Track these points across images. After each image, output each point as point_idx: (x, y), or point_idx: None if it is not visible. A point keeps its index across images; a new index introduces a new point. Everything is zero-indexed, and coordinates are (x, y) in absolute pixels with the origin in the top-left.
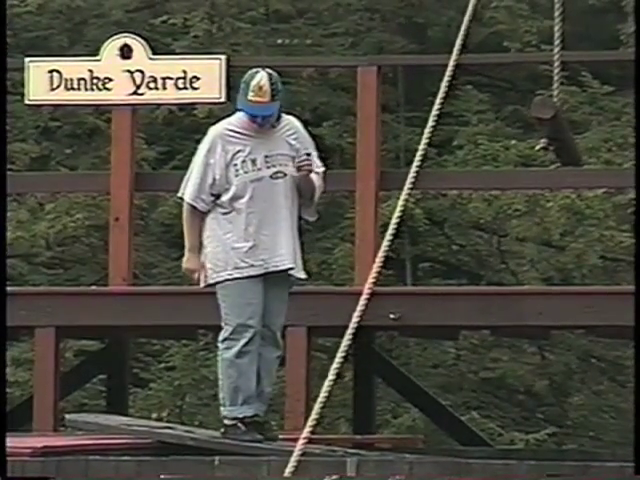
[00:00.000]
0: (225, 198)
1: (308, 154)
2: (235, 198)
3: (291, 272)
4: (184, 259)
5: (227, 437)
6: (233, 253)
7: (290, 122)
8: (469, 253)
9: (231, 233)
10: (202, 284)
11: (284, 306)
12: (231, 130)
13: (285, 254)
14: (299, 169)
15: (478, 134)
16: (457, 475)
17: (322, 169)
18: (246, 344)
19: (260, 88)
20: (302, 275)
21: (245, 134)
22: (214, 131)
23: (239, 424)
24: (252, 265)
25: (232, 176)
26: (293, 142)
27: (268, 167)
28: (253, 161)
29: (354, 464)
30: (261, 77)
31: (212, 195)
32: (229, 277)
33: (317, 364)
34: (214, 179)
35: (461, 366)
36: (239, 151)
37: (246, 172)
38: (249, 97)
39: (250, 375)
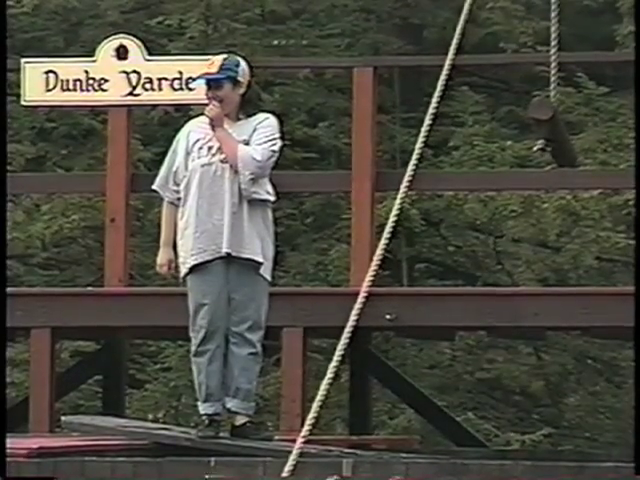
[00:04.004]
0: (182, 186)
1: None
2: (188, 185)
3: (236, 254)
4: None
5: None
6: (188, 241)
7: (260, 118)
8: (465, 254)
9: (185, 221)
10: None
11: (252, 303)
12: (201, 121)
13: (239, 241)
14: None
15: (474, 135)
16: (453, 475)
17: (259, 157)
18: (200, 343)
19: (212, 63)
20: (259, 259)
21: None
22: (188, 123)
23: (206, 420)
24: (205, 250)
25: (189, 163)
26: (252, 133)
27: (221, 153)
28: (209, 148)
29: (350, 465)
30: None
31: (176, 184)
32: (187, 270)
33: (313, 365)
34: (177, 167)
35: (457, 367)
36: (199, 139)
37: (199, 158)
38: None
39: (210, 373)
